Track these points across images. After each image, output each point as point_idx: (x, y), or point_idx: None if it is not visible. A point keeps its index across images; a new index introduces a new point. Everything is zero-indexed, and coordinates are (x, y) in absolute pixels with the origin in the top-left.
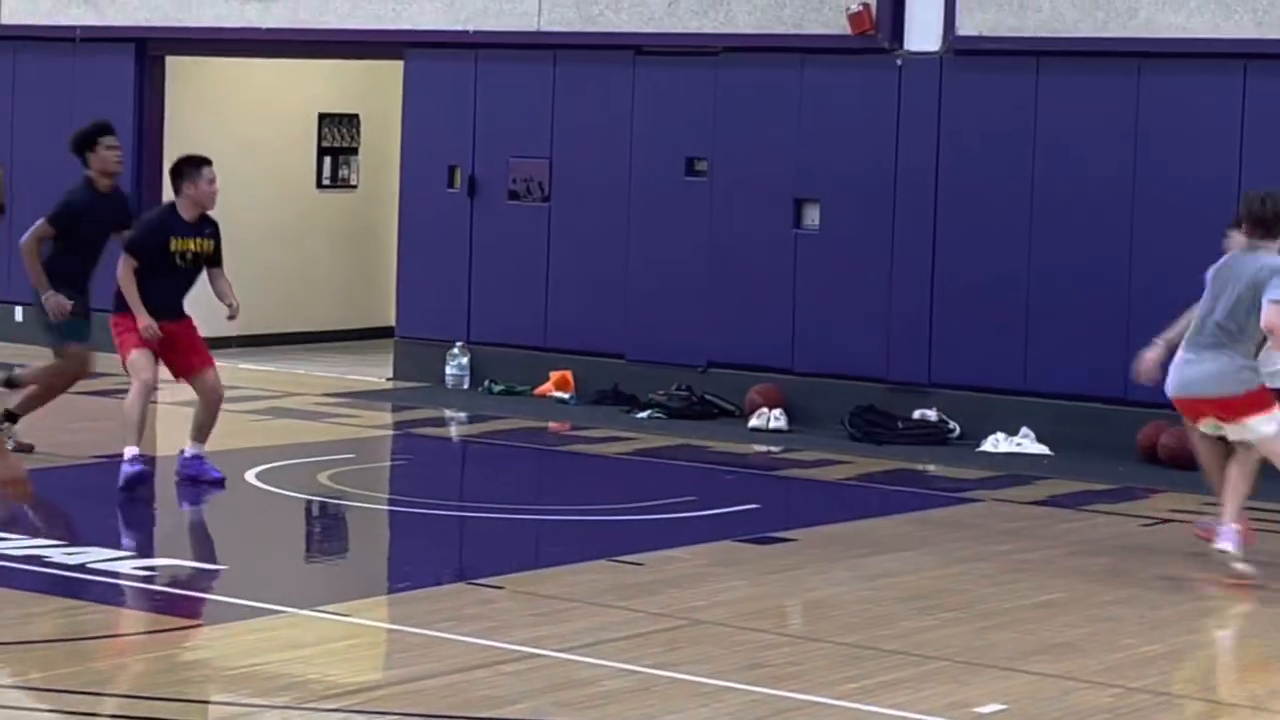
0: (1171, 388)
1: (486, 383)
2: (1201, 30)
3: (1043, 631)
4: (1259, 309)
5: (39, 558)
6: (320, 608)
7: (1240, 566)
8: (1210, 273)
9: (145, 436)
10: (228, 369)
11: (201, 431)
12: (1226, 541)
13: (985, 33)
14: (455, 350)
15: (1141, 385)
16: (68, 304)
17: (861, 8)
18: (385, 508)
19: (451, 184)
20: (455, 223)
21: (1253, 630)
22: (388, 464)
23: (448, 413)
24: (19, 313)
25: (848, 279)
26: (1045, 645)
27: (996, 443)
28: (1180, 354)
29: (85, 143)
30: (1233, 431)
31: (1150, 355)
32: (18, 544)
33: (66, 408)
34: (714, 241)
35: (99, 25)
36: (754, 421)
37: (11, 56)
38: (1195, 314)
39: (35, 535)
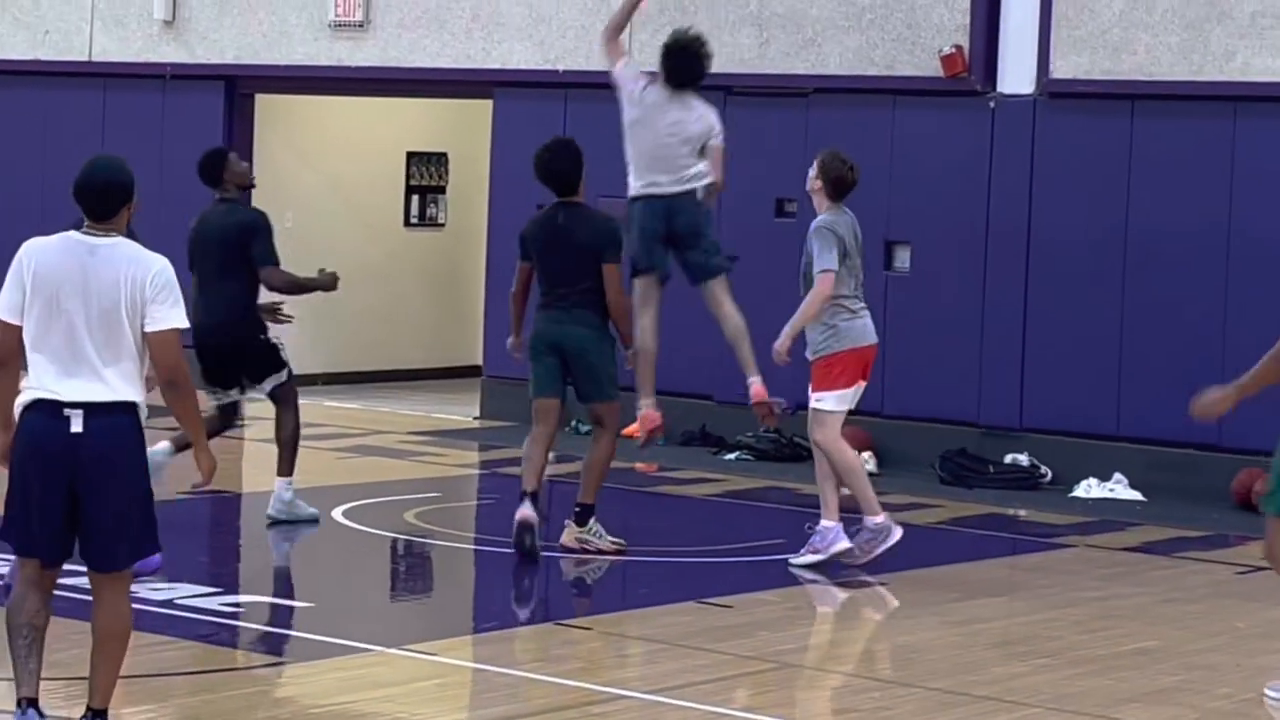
0: None
1: (574, 422)
2: None
3: (1136, 679)
4: None
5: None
6: (407, 646)
7: None
8: None
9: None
10: (313, 406)
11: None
12: None
13: (1079, 76)
14: None
15: (1235, 432)
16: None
17: (954, 49)
18: (471, 547)
19: None
20: None
21: None
22: (474, 503)
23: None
24: None
25: (939, 322)
26: (1138, 693)
27: (1089, 488)
28: None
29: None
30: None
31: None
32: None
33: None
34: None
35: (189, 63)
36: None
37: (102, 94)
38: None
39: None
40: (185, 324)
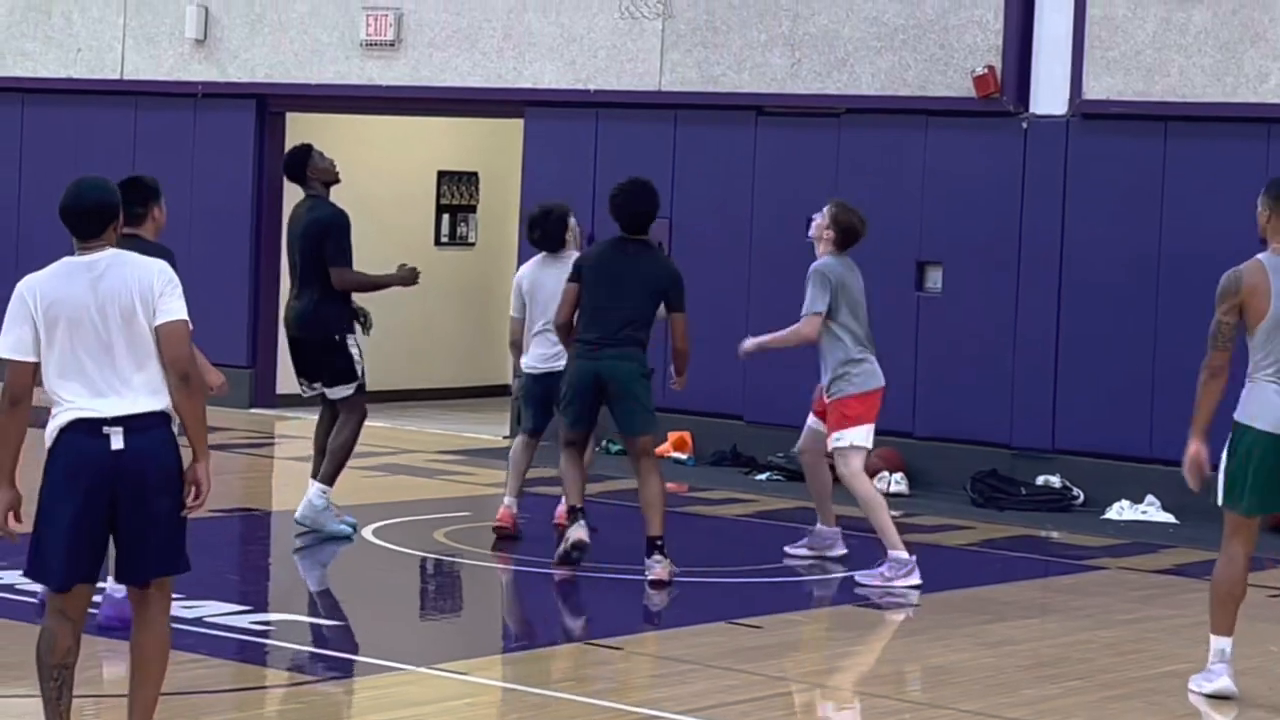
0: None
1: (604, 442)
2: None
3: (1169, 702)
4: None
5: None
6: (438, 665)
7: None
8: None
9: (260, 493)
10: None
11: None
12: None
13: (1112, 97)
14: None
15: None
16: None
17: (987, 70)
18: (502, 566)
19: None
20: None
21: None
22: None
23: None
24: None
25: (970, 342)
26: (1171, 716)
27: (1121, 510)
28: None
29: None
30: None
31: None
32: None
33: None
34: None
35: (220, 82)
36: (875, 485)
37: (133, 112)
38: None
39: None
40: (187, 317)
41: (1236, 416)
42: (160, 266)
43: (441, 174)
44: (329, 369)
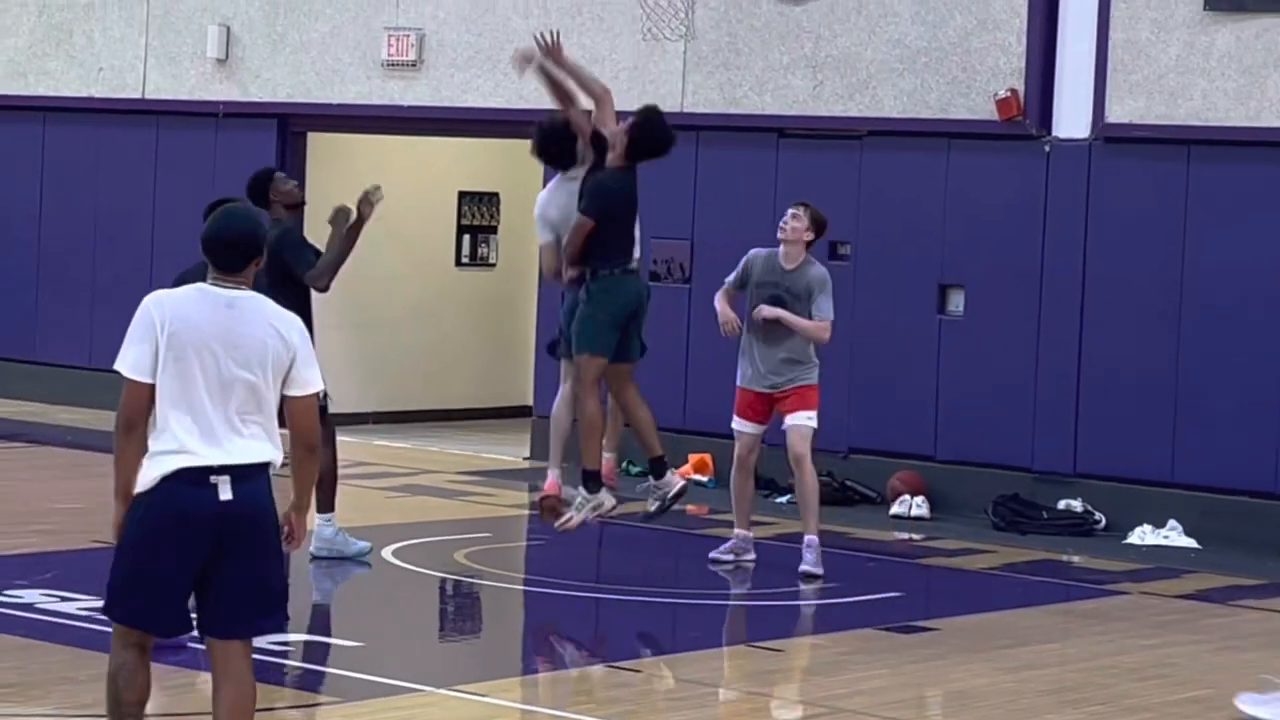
0: None
1: (625, 464)
2: None
3: None
4: None
5: None
6: (456, 687)
7: None
8: None
9: None
10: (363, 444)
11: None
12: None
13: (1135, 120)
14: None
15: None
16: None
17: (1009, 93)
18: (521, 588)
19: None
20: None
21: None
22: (524, 544)
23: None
24: None
25: (992, 366)
26: None
27: (1143, 535)
28: None
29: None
30: None
31: None
32: None
33: None
34: (856, 326)
35: (242, 101)
36: (895, 508)
37: (155, 131)
38: None
39: None
40: (324, 386)
41: None
42: (300, 326)
43: (462, 194)
44: None
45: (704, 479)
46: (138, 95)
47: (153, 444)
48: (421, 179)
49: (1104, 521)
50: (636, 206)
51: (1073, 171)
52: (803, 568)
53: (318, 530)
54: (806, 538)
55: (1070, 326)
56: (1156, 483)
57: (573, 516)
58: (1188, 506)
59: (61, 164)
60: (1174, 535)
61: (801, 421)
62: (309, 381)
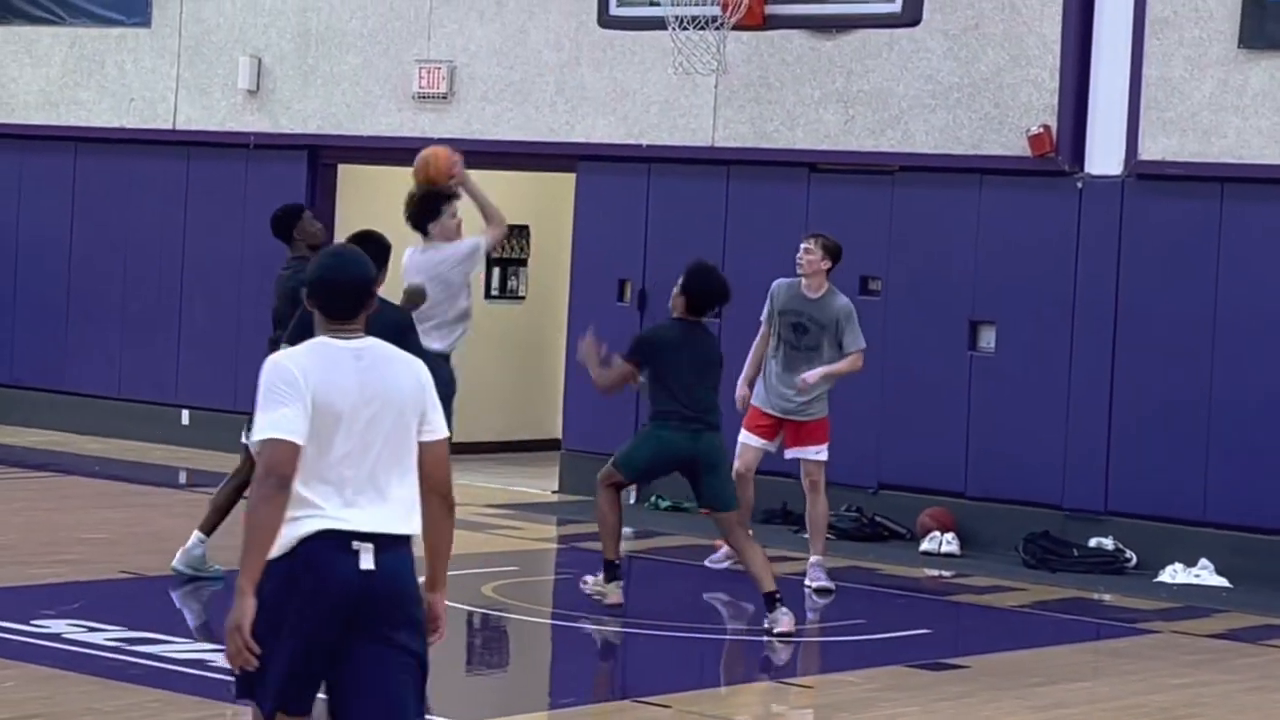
0: None
1: (653, 498)
2: None
3: None
4: None
5: (203, 662)
6: None
7: None
8: None
9: None
10: None
11: None
12: None
13: (1168, 158)
14: None
15: None
16: None
17: (1042, 129)
18: (549, 621)
19: (621, 297)
20: (624, 336)
21: None
22: (552, 578)
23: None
24: (185, 416)
25: (1023, 403)
26: None
27: (1174, 573)
28: None
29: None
30: None
31: None
32: (183, 648)
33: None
34: (887, 361)
35: (273, 132)
36: (925, 545)
37: (185, 162)
38: None
39: (199, 640)
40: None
41: None
42: (424, 367)
43: None
44: None
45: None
46: (169, 126)
47: (291, 511)
48: None
49: (1135, 559)
50: (706, 364)
51: (1105, 208)
52: (818, 583)
53: (190, 547)
54: (814, 558)
55: (1102, 363)
56: (1188, 521)
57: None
58: (1219, 545)
59: (92, 194)
60: (1205, 574)
61: (812, 456)
62: (439, 426)
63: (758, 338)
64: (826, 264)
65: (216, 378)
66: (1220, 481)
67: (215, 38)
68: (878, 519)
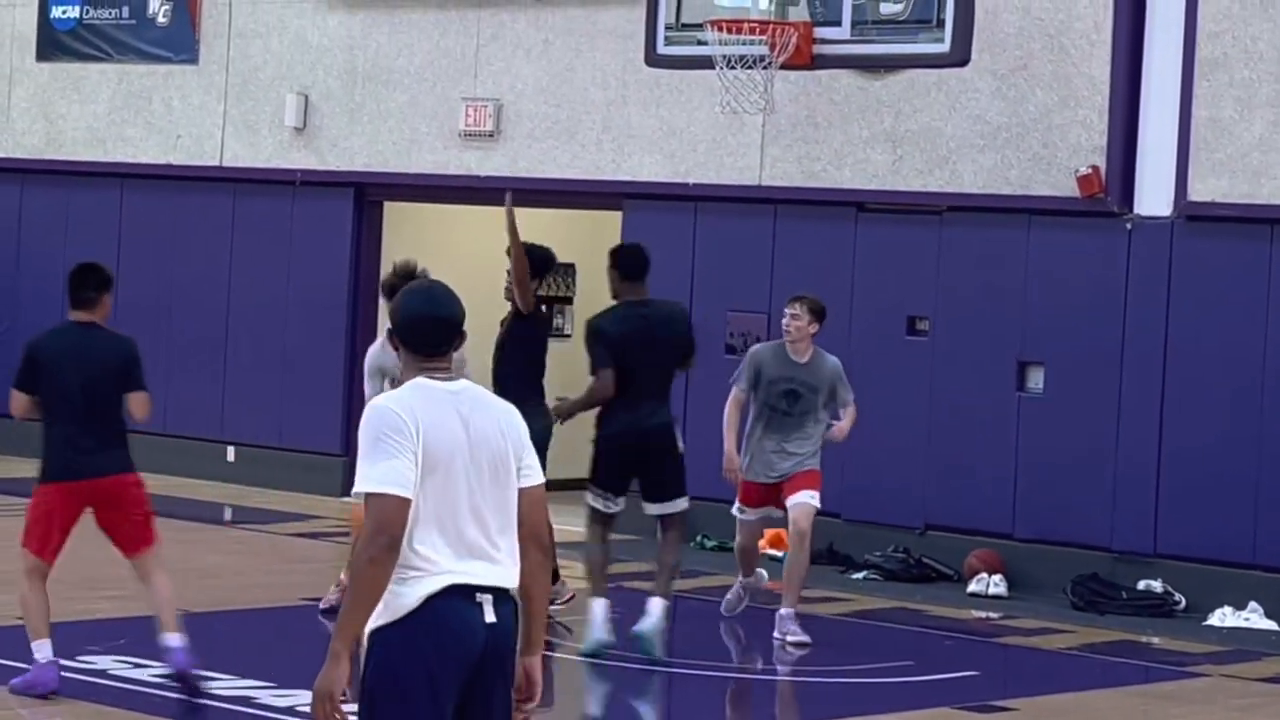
0: None
1: (700, 537)
2: None
3: None
4: None
5: (248, 699)
6: None
7: None
8: None
9: None
10: None
11: None
12: None
13: (1218, 199)
14: None
15: None
16: None
17: (1091, 170)
18: (593, 661)
19: None
20: None
21: None
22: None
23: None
24: (231, 452)
25: (1072, 444)
26: None
27: (1223, 617)
28: None
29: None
30: None
31: None
32: (227, 684)
33: (272, 549)
34: (934, 402)
35: (320, 170)
36: (973, 586)
37: (232, 199)
38: None
39: (244, 676)
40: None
41: None
42: (516, 411)
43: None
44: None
45: (779, 554)
46: (215, 163)
47: (400, 570)
48: (496, 249)
49: (1184, 602)
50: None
51: (1154, 249)
52: (795, 638)
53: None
54: (786, 610)
55: (1151, 405)
56: (1237, 564)
57: None
58: (1269, 588)
59: (139, 230)
60: (1255, 617)
61: (805, 500)
62: (536, 470)
63: (730, 403)
64: (814, 328)
65: (262, 414)
66: (1270, 524)
67: (262, 75)
68: (925, 560)
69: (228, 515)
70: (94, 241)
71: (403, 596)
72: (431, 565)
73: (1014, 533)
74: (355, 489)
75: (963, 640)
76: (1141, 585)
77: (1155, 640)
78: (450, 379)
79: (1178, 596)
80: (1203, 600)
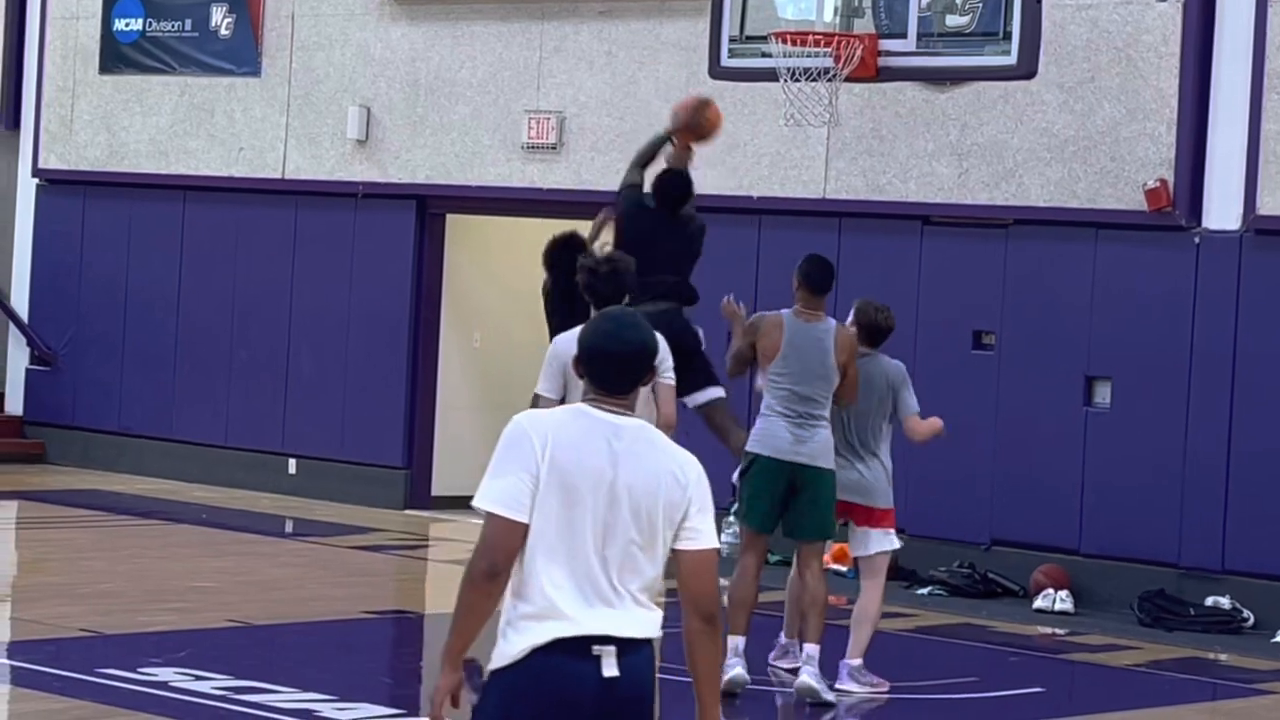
0: None
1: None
2: None
3: None
4: None
5: (309, 712)
6: None
7: None
8: None
9: (414, 595)
10: (469, 527)
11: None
12: None
13: None
14: (730, 518)
15: None
16: None
17: (1159, 184)
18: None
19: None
20: (728, 387)
21: None
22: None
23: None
24: (292, 464)
25: (1139, 459)
26: None
27: None
28: None
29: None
30: None
31: None
32: (289, 697)
33: (334, 562)
34: (1000, 416)
35: (382, 182)
36: (1039, 602)
37: (293, 211)
38: None
39: (306, 689)
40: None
41: None
42: (699, 467)
43: None
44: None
45: (844, 569)
46: (277, 175)
47: (513, 606)
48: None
49: (1252, 619)
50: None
51: (1223, 263)
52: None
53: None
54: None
55: (1219, 420)
56: None
57: None
58: None
59: (201, 243)
60: None
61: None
62: (702, 533)
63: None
64: (854, 329)
65: (324, 427)
66: None
67: (325, 87)
68: (990, 575)
69: (289, 528)
70: (156, 254)
71: (511, 644)
72: (547, 607)
73: (1080, 548)
74: (474, 501)
75: (1028, 656)
76: (1209, 601)
77: (1223, 657)
78: (624, 412)
79: (1246, 613)
80: (1271, 617)
